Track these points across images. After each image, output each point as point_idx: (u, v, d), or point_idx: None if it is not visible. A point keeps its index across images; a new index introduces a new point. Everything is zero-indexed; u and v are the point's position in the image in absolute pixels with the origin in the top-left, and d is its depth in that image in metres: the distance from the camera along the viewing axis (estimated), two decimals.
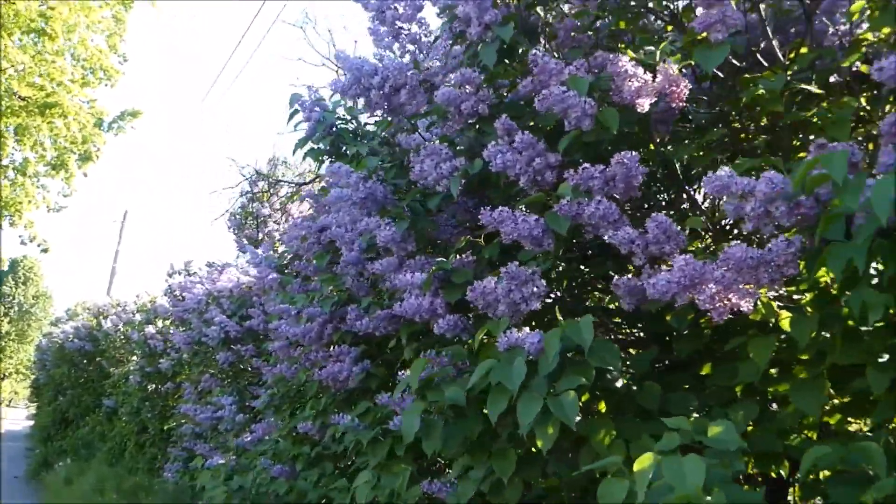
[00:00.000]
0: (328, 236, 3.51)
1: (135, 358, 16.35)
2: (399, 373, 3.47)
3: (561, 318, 2.05)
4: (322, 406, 4.27)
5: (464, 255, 2.56)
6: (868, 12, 2.22)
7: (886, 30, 2.13)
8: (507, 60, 2.72)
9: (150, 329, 11.61)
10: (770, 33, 2.37)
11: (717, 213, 2.64)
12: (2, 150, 11.51)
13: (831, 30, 2.42)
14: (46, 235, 15.52)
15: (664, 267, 1.97)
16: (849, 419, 2.27)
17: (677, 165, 2.55)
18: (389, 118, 3.09)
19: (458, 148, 2.68)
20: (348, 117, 3.88)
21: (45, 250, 15.24)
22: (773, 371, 2.15)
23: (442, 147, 2.47)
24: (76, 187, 15.92)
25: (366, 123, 4.08)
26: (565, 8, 2.83)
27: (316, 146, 3.93)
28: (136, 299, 15.82)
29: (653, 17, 2.84)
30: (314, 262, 4.17)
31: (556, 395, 1.90)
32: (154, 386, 11.55)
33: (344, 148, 3.75)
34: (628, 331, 3.04)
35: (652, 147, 2.51)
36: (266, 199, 11.03)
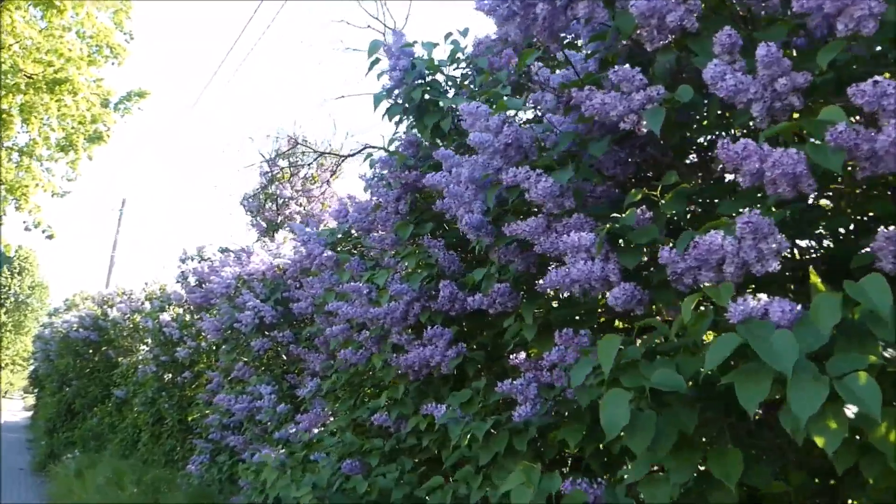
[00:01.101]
0: (443, 206, 3.03)
1: (144, 347, 15.94)
2: (513, 356, 3.02)
3: (818, 281, 1.61)
4: (400, 395, 3.82)
5: (640, 211, 2.11)
6: None
7: None
8: None
9: (165, 316, 11.14)
10: None
11: None
12: (3, 129, 10.97)
13: None
14: (49, 223, 15.00)
15: None
16: None
17: None
18: (540, 46, 2.61)
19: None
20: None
21: (50, 236, 14.67)
22: None
23: (634, 72, 2.01)
24: (81, 172, 15.42)
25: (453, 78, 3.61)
26: None
27: (399, 102, 3.47)
28: (144, 287, 15.33)
29: None
30: (395, 233, 3.71)
31: (839, 378, 1.46)
32: (170, 375, 11.08)
33: (435, 101, 3.29)
34: None
35: None
36: (287, 180, 10.54)
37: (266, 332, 6.86)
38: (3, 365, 49.10)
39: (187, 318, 11.13)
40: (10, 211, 12.04)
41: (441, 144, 3.60)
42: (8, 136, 10.49)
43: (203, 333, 10.53)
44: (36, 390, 27.34)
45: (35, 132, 11.49)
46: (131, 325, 16.00)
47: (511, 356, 3.00)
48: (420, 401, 3.87)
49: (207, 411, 8.63)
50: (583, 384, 1.98)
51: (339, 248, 5.11)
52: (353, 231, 5.22)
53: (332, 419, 5.70)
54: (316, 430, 5.58)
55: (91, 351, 17.20)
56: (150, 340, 12.86)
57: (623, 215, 2.16)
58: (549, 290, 2.63)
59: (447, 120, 3.27)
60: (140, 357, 15.03)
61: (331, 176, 10.32)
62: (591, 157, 2.35)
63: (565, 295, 2.85)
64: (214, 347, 10.28)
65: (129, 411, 13.75)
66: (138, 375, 13.47)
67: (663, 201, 2.14)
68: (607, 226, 2.09)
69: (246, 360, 7.03)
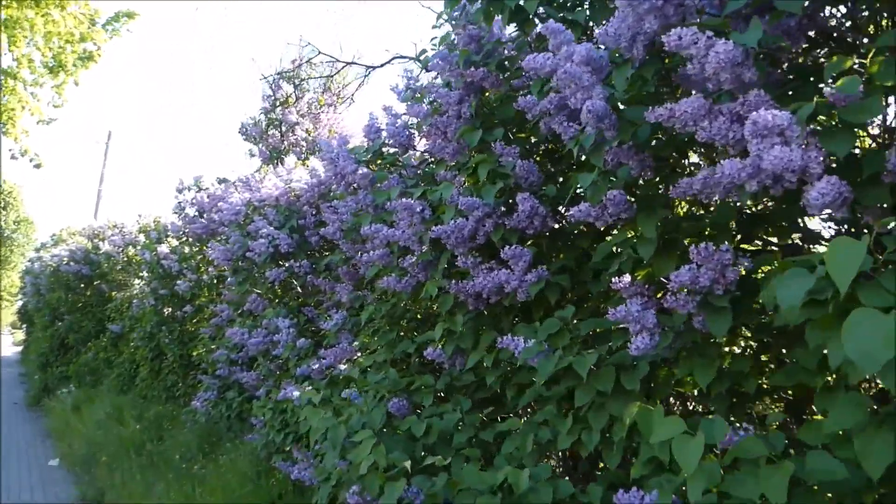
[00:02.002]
0: (525, 104, 2.50)
1: (137, 281, 15.45)
2: (615, 279, 2.55)
3: None
4: (458, 327, 3.37)
5: (847, 82, 1.61)
6: None
7: None
8: None
9: (163, 248, 10.61)
10: None
11: None
12: None
13: None
14: (36, 151, 14.24)
15: None
16: None
17: None
18: None
19: None
20: None
21: (38, 165, 13.91)
22: None
23: None
24: (67, 98, 14.55)
25: None
26: None
27: None
28: (138, 219, 14.74)
29: None
30: (457, 140, 3.18)
31: None
32: (170, 310, 10.61)
33: None
34: None
35: None
36: (292, 105, 9.87)
37: (280, 262, 6.37)
38: None
39: (186, 250, 10.61)
40: None
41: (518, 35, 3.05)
42: None
43: (204, 266, 10.06)
44: (25, 325, 26.92)
45: (20, 52, 10.66)
46: (125, 259, 15.48)
47: (614, 279, 2.52)
48: (479, 333, 3.43)
49: (214, 346, 8.21)
50: (792, 305, 1.50)
51: (369, 168, 4.57)
52: (385, 149, 4.70)
53: (358, 355, 5.28)
54: (343, 367, 5.16)
55: (83, 285, 16.72)
56: (145, 274, 12.36)
57: (819, 95, 1.65)
58: (677, 197, 2.14)
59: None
60: (135, 291, 14.57)
61: (340, 95, 9.65)
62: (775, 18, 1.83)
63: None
64: (216, 281, 9.81)
65: (126, 346, 13.37)
66: (133, 310, 13.03)
67: (873, 70, 1.65)
68: (815, 99, 1.59)
69: (259, 291, 6.55)
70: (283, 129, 9.84)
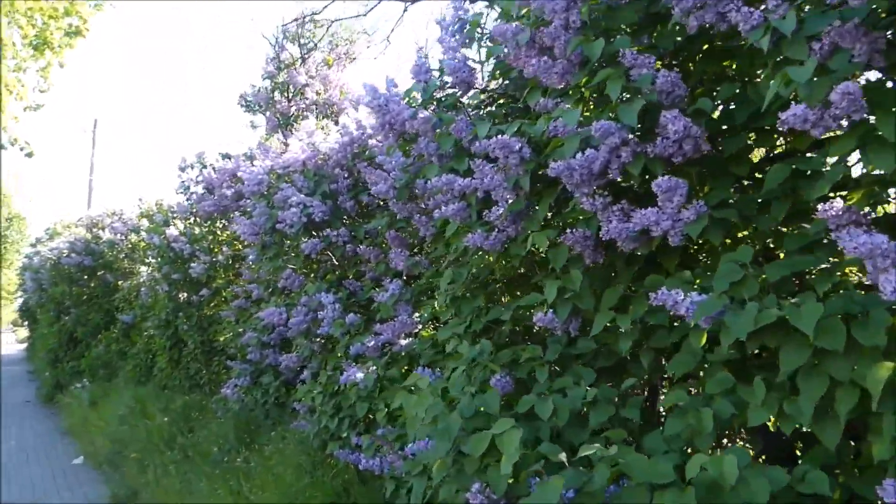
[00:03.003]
0: None
1: (144, 268, 14.83)
2: (822, 206, 1.97)
3: None
4: (576, 285, 2.79)
5: None
6: None
7: None
8: None
9: (172, 231, 9.99)
10: None
11: None
12: None
13: None
14: (26, 140, 13.53)
15: None
16: None
17: None
18: None
19: None
20: None
21: (29, 154, 13.25)
22: None
23: None
24: (53, 82, 13.79)
25: None
26: None
27: None
28: (138, 203, 14.07)
29: None
30: (566, 58, 2.57)
31: None
32: (185, 295, 10.02)
33: None
34: None
35: None
36: (299, 65, 9.16)
37: (314, 233, 5.78)
38: None
39: (196, 231, 10.00)
40: None
41: None
42: None
43: (217, 247, 9.46)
44: (27, 322, 26.33)
45: (2, 31, 9.92)
46: (129, 246, 14.87)
47: (820, 206, 1.95)
48: (598, 291, 2.87)
49: (240, 329, 7.65)
50: None
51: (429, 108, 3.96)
52: (438, 92, 4.09)
53: (420, 328, 4.73)
54: (402, 342, 4.61)
55: (86, 277, 16.13)
56: (152, 260, 11.75)
57: None
58: None
59: None
60: (143, 279, 13.97)
61: (349, 53, 8.95)
62: None
63: None
64: (231, 261, 9.23)
65: (139, 336, 12.83)
66: (142, 298, 12.46)
67: None
68: None
69: (293, 266, 5.97)
70: (291, 92, 9.15)
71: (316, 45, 8.97)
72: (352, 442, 4.92)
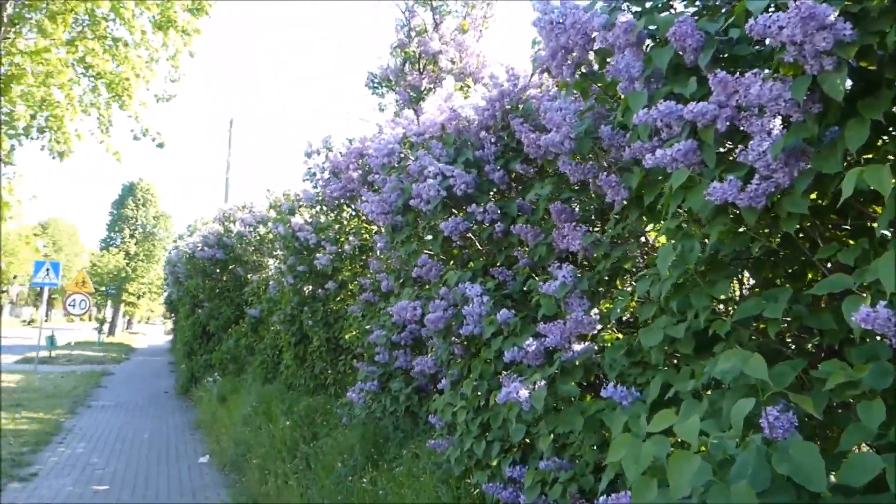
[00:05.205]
0: None
1: (272, 261, 14.55)
2: None
3: None
4: None
5: None
6: None
7: None
8: None
9: (297, 220, 9.32)
10: None
11: None
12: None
13: None
14: (157, 130, 13.52)
15: None
16: None
17: None
18: None
19: None
20: None
21: (160, 145, 13.22)
22: None
23: None
24: (184, 72, 13.72)
25: None
26: None
27: None
28: (266, 194, 13.73)
29: None
30: None
31: None
32: (310, 287, 9.34)
33: None
34: None
35: None
36: (432, 33, 8.19)
37: (455, 209, 4.72)
38: (142, 294, 51.64)
39: (322, 219, 9.28)
40: (116, 111, 10.46)
41: None
42: (98, 3, 8.67)
43: (343, 236, 8.70)
44: (172, 315, 27.48)
45: (129, 14, 9.69)
46: (257, 238, 14.63)
47: None
48: None
49: (368, 326, 6.78)
50: None
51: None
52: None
53: (598, 328, 3.55)
54: (577, 347, 3.44)
55: (218, 270, 16.19)
56: (279, 252, 11.29)
57: None
58: None
59: None
60: (271, 272, 13.65)
61: (487, 15, 7.89)
62: None
63: None
64: (357, 251, 8.39)
65: (266, 331, 12.44)
66: (270, 292, 12.03)
67: None
68: None
69: (429, 251, 4.94)
70: (423, 63, 8.19)
71: (449, 9, 7.96)
72: (504, 474, 3.84)
